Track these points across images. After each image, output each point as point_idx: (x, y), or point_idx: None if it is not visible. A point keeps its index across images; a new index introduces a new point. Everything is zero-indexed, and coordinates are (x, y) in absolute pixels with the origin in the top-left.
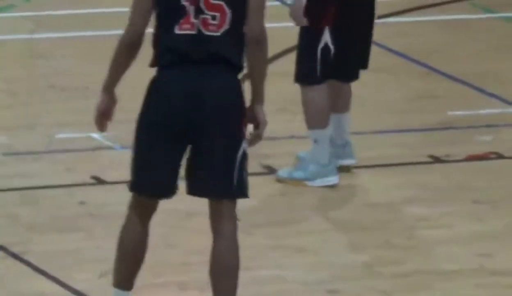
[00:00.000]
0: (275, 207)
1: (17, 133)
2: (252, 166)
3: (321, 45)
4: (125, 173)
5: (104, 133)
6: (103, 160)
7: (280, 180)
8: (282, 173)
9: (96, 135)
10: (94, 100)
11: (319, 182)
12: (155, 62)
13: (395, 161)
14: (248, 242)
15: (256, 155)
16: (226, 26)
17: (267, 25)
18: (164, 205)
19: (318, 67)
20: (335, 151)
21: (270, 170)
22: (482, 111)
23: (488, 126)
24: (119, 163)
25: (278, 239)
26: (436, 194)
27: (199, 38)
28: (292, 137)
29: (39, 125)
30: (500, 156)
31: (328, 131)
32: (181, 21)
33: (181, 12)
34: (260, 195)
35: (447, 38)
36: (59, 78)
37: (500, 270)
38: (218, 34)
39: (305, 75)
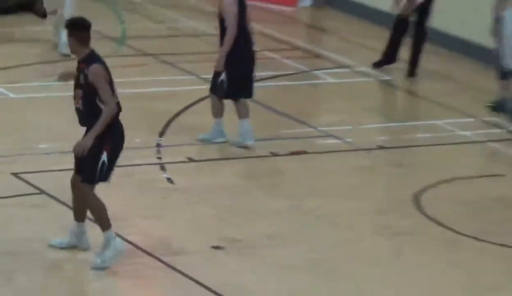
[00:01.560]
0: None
1: None
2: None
3: (219, 79)
4: None
5: None
6: None
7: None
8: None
9: None
10: None
11: (219, 140)
12: (116, 117)
13: (240, 155)
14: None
15: (180, 151)
16: None
17: None
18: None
19: (222, 87)
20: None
21: (191, 160)
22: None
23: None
24: None
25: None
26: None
27: None
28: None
29: None
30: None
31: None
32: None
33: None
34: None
35: None
36: None
37: None
38: None
39: (214, 89)
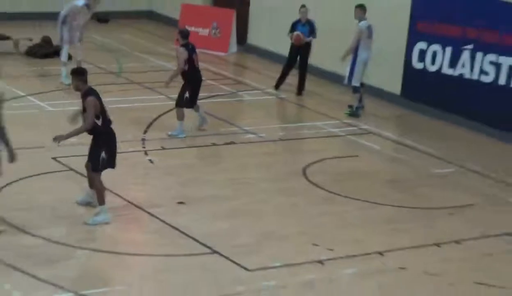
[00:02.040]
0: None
1: None
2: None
3: (185, 95)
4: None
5: None
6: None
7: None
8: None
9: None
10: None
11: (181, 135)
12: (104, 127)
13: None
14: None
15: (157, 143)
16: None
17: None
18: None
19: (184, 101)
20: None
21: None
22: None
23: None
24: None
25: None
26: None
27: None
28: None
29: None
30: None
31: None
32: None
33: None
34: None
35: None
36: None
37: None
38: None
39: (179, 104)
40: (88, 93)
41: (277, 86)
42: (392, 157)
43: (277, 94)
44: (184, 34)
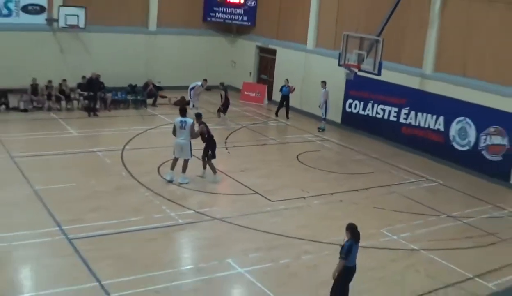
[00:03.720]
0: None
1: None
2: None
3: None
4: None
5: None
6: None
7: None
8: None
9: None
10: None
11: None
12: (208, 139)
13: None
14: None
15: (230, 143)
16: None
17: None
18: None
19: (221, 109)
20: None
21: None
22: None
23: None
24: None
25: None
26: None
27: None
28: None
29: None
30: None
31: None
32: None
33: None
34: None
35: None
36: None
37: None
38: None
39: (219, 109)
40: (200, 123)
41: (276, 114)
42: (336, 151)
43: (285, 122)
44: (221, 84)
